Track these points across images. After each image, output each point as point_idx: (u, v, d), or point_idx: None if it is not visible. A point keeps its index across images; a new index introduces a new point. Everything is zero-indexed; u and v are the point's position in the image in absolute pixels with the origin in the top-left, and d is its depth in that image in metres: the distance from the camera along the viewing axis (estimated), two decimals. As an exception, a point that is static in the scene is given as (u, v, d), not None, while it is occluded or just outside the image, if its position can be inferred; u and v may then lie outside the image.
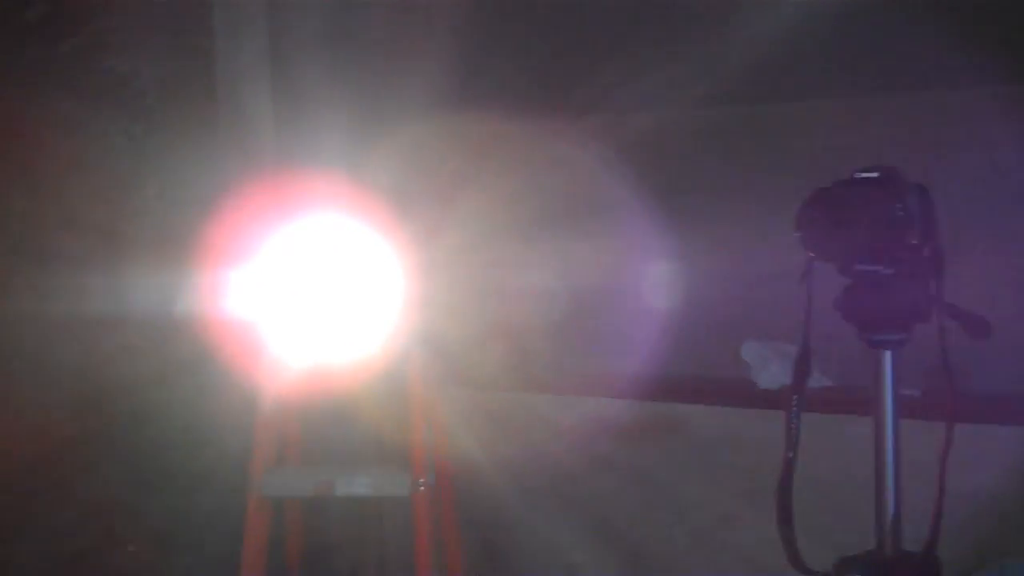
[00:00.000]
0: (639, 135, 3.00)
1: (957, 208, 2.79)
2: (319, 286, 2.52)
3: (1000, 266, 2.88)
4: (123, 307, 2.73)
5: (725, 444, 2.96)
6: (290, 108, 3.25)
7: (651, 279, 3.05)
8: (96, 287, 2.74)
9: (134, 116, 2.95)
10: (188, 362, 2.87)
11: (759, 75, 2.90)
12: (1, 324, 2.73)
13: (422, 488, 2.65)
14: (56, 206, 2.78)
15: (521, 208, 3.06)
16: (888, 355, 1.59)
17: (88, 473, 2.82)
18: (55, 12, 2.79)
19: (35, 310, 2.75)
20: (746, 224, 2.89)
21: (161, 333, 2.75)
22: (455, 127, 3.16)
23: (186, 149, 3.03)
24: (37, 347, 2.76)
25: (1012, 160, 2.80)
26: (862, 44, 2.79)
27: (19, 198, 2.72)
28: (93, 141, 2.85)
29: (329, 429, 2.97)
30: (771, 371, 2.87)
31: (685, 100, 2.93)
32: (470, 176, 3.05)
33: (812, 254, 1.52)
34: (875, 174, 1.51)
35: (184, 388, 2.89)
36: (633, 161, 3.03)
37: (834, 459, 2.52)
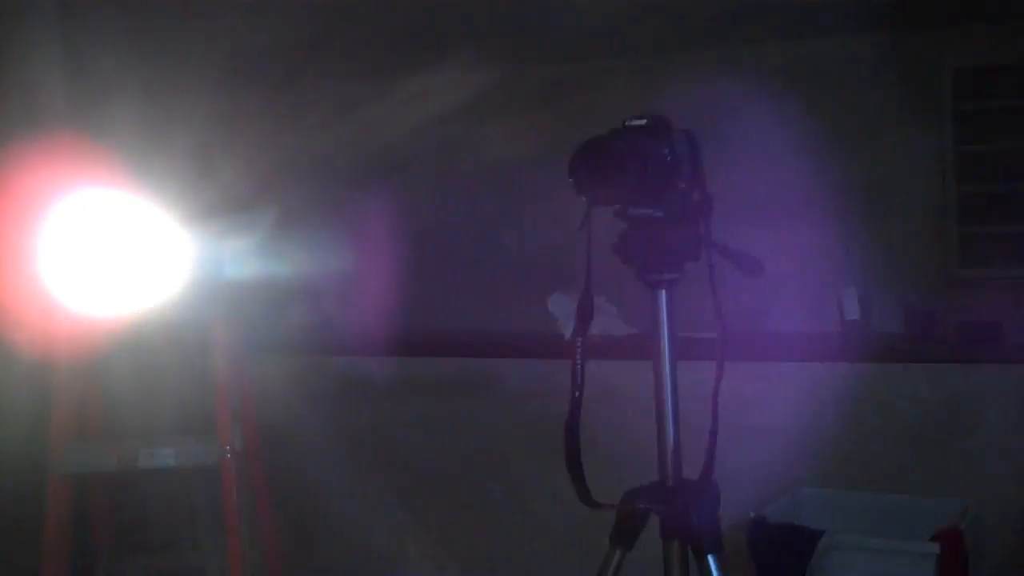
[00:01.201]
0: (431, 97, 3.02)
1: (740, 157, 2.94)
2: (112, 251, 2.43)
3: (785, 214, 3.05)
4: None
5: (536, 396, 3.03)
6: (81, 66, 3.12)
7: (455, 237, 3.09)
8: None
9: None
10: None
11: (551, 37, 2.96)
12: None
13: (228, 456, 2.61)
14: None
15: (320, 172, 3.04)
16: (663, 294, 1.65)
17: None
18: None
19: None
20: (551, 180, 2.94)
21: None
22: (252, 92, 3.10)
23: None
24: None
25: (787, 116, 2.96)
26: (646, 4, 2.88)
27: None
28: None
29: (131, 401, 2.89)
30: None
31: (486, 62, 2.97)
32: (267, 142, 3.00)
33: (586, 199, 1.56)
34: (643, 121, 1.57)
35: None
36: (423, 122, 3.05)
37: (625, 402, 2.62)
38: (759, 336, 3.00)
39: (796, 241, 3.14)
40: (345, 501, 3.17)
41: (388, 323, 3.18)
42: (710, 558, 1.66)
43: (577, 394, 1.70)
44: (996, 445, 2.70)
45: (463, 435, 3.13)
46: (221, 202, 2.63)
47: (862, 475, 2.86)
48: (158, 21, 2.95)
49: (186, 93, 2.93)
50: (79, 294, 2.44)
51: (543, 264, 3.21)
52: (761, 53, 3.19)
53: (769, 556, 2.58)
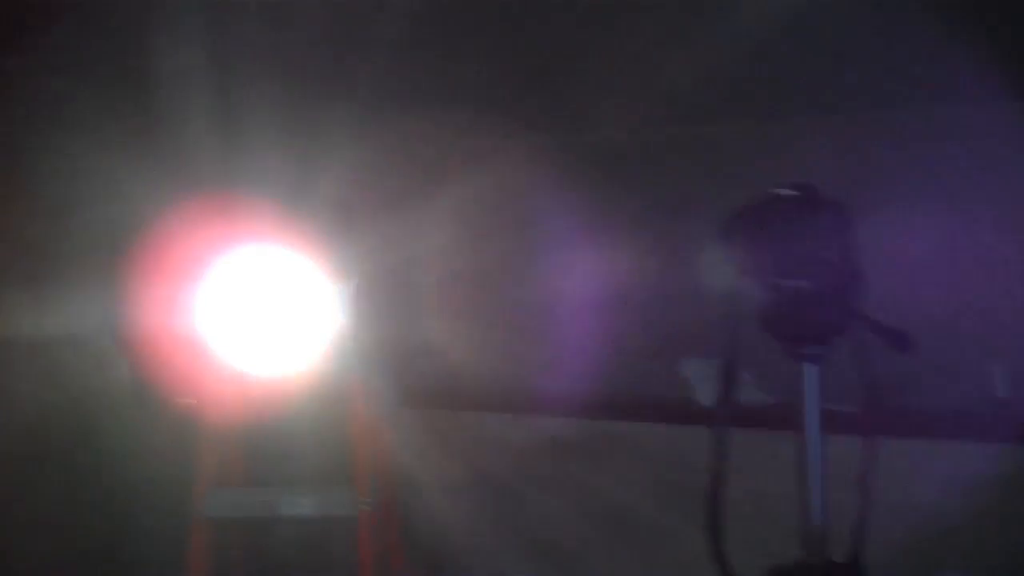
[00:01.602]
0: (580, 155, 3.04)
1: (887, 227, 2.87)
2: (260, 306, 2.53)
3: (932, 283, 2.96)
4: (62, 327, 2.71)
5: (667, 461, 2.99)
6: (230, 125, 3.25)
7: (593, 297, 3.09)
8: (35, 307, 2.72)
9: (73, 135, 2.93)
10: (129, 382, 2.86)
11: (698, 98, 2.96)
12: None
13: (366, 507, 2.65)
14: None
15: (463, 225, 3.09)
16: (812, 368, 1.63)
17: (29, 495, 2.79)
18: (-6, 32, 2.77)
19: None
20: (688, 241, 2.93)
21: (101, 353, 2.73)
22: (400, 146, 3.18)
23: (125, 168, 3.02)
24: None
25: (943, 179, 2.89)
26: (791, 68, 2.86)
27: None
28: (33, 161, 2.83)
29: (273, 449, 2.96)
30: (712, 388, 2.90)
31: (626, 121, 2.98)
32: (414, 194, 3.06)
33: (734, 268, 1.56)
34: (795, 192, 1.56)
35: (126, 409, 2.87)
36: (574, 180, 3.07)
37: (767, 474, 2.56)
38: (904, 411, 2.91)
39: (940, 312, 3.04)
40: (475, 556, 3.18)
41: (519, 380, 3.20)
42: (854, 643, 1.61)
43: (720, 464, 1.68)
44: None
45: (593, 497, 3.10)
46: (362, 254, 2.69)
47: (1009, 562, 2.73)
48: (306, 78, 3.07)
49: (330, 146, 3.02)
50: (227, 344, 2.53)
51: (675, 326, 3.17)
52: (900, 117, 3.12)
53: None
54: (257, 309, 2.52)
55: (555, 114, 3.12)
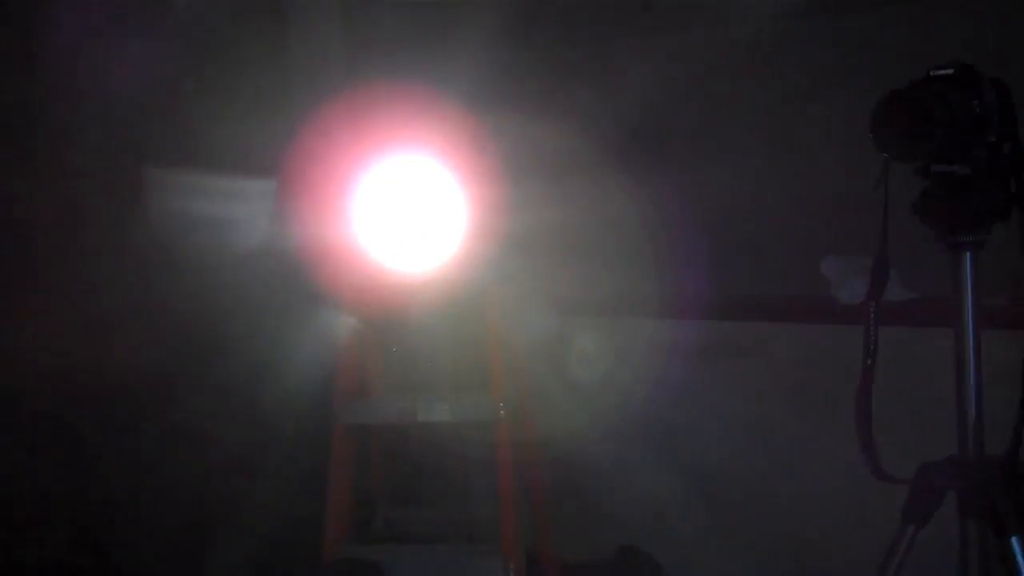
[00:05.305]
0: (712, 52, 2.94)
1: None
2: (399, 212, 2.54)
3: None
4: (208, 240, 2.76)
5: (806, 362, 2.93)
6: (361, 34, 3.24)
7: (727, 198, 3.01)
8: (179, 219, 2.78)
9: (206, 54, 2.96)
10: (271, 293, 2.92)
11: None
12: (92, 258, 2.79)
13: (503, 413, 2.67)
14: (132, 142, 2.82)
15: (598, 132, 3.03)
16: (968, 257, 1.56)
17: (176, 403, 2.88)
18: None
19: (123, 245, 2.81)
20: (824, 136, 2.83)
21: (243, 264, 2.78)
22: (532, 46, 3.12)
23: (258, 82, 3.04)
24: (126, 279, 2.81)
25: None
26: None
27: (94, 134, 2.76)
28: (167, 80, 2.87)
29: (411, 357, 3.00)
30: (852, 286, 2.83)
31: (760, 14, 2.86)
32: (548, 99, 3.02)
33: (888, 156, 1.49)
34: (949, 71, 1.48)
35: (268, 318, 2.94)
36: (707, 79, 2.98)
37: (915, 371, 2.48)
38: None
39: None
40: (610, 460, 3.19)
41: (652, 285, 3.15)
42: (1013, 540, 1.57)
43: (870, 361, 1.64)
44: None
45: (726, 401, 3.06)
46: (495, 165, 2.67)
47: None
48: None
49: (460, 52, 2.97)
50: (364, 255, 2.56)
51: (807, 223, 3.07)
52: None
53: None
54: (397, 213, 2.53)
55: (688, 11, 3.02)
